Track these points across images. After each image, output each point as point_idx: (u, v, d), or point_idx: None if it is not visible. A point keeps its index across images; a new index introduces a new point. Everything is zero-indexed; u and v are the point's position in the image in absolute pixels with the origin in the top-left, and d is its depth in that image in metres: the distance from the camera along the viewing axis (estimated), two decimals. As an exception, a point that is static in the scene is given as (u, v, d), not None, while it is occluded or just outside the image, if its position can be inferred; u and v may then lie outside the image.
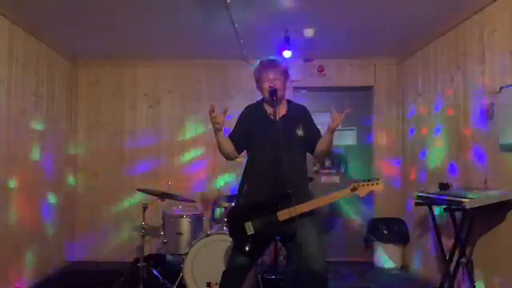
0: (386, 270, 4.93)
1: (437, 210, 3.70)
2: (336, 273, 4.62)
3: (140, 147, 5.39)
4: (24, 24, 4.01)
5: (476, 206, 2.97)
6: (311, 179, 5.14)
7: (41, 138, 4.43)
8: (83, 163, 5.37)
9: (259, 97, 2.83)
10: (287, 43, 4.33)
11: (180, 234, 4.09)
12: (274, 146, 2.56)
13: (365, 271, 4.89)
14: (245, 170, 2.81)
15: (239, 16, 3.80)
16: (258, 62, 2.82)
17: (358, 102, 5.41)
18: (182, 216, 4.16)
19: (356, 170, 5.43)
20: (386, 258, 4.98)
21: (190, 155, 5.37)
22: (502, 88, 3.19)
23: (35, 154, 4.32)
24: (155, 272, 4.01)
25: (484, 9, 3.45)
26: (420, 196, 3.73)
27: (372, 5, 3.66)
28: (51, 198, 4.65)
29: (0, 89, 3.71)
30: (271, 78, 2.69)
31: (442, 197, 3.43)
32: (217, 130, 2.61)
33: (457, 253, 3.49)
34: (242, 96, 4.97)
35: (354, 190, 2.54)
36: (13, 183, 3.88)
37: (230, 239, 2.72)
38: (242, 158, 2.87)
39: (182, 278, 3.71)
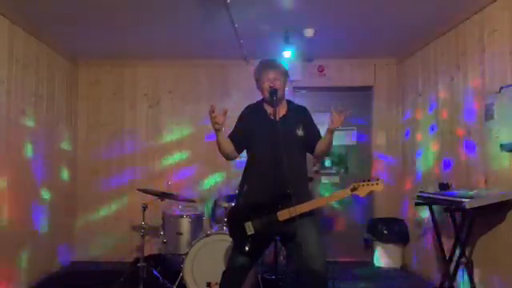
0: (386, 269, 4.93)
1: (434, 207, 3.70)
2: (336, 273, 4.62)
3: (140, 147, 5.39)
4: (24, 24, 4.01)
5: (476, 205, 2.98)
6: (311, 179, 5.12)
7: (41, 138, 4.43)
8: (83, 163, 5.37)
9: (259, 97, 2.83)
10: (287, 43, 4.33)
11: (180, 234, 4.09)
12: (273, 146, 2.56)
13: (365, 271, 4.90)
14: (245, 170, 2.81)
15: (239, 16, 3.80)
16: (258, 62, 2.82)
17: (357, 102, 5.44)
18: (181, 216, 4.15)
19: (356, 169, 5.43)
20: (386, 257, 4.98)
21: (189, 155, 5.38)
22: (501, 88, 3.19)
23: (35, 154, 4.32)
24: (155, 272, 4.01)
25: (484, 9, 3.45)
26: (420, 196, 3.73)
27: (372, 5, 3.66)
28: (51, 198, 4.65)
29: (0, 89, 3.71)
30: (271, 78, 2.70)
31: (441, 197, 3.43)
32: (217, 131, 2.61)
33: (457, 253, 3.49)
34: (242, 96, 4.97)
35: (354, 190, 2.54)
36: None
37: (230, 239, 2.72)
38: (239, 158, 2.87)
39: (182, 277, 3.71)
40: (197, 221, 4.24)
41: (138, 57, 5.29)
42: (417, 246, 4.75)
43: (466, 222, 3.35)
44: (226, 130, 2.70)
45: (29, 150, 4.20)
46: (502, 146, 3.19)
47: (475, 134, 3.59)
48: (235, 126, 2.83)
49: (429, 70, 4.48)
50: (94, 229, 5.28)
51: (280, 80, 2.72)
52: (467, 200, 3.01)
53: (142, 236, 3.96)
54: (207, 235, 3.74)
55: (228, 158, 2.80)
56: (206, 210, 4.95)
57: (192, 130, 5.38)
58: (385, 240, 4.93)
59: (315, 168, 5.42)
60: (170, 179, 4.84)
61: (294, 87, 5.25)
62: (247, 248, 2.56)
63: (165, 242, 4.11)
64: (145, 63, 5.40)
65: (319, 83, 5.42)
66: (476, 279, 3.33)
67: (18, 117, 3.99)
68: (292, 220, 2.50)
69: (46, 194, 4.54)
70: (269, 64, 2.77)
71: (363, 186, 2.53)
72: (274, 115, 2.62)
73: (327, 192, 5.16)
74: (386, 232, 4.92)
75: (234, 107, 3.04)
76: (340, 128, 2.63)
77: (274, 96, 2.65)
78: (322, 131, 2.78)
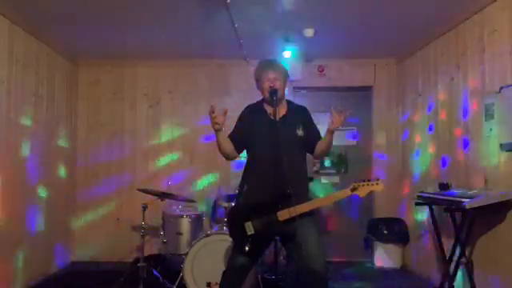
0: (386, 269, 4.93)
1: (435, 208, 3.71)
2: (336, 273, 4.62)
3: (140, 147, 5.39)
4: (24, 24, 4.01)
5: (476, 206, 2.98)
6: (311, 179, 5.14)
7: (41, 138, 4.43)
8: (83, 163, 5.37)
9: (259, 97, 2.83)
10: (287, 43, 4.33)
11: (180, 234, 4.09)
12: (273, 146, 2.56)
13: (365, 271, 4.90)
14: (245, 170, 2.81)
15: (239, 16, 3.80)
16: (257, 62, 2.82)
17: (357, 102, 5.44)
18: (181, 216, 4.16)
19: (356, 169, 5.43)
20: (386, 258, 4.98)
21: (189, 155, 5.38)
22: (501, 88, 3.19)
23: (35, 154, 4.32)
24: (155, 272, 4.01)
25: (484, 9, 3.45)
26: (420, 196, 3.73)
27: (372, 5, 3.66)
28: (51, 198, 4.65)
29: (0, 89, 3.71)
30: (271, 78, 2.70)
31: (441, 197, 3.43)
32: (216, 131, 2.61)
33: (457, 253, 3.49)
34: (242, 96, 4.96)
35: (353, 190, 2.54)
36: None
37: (230, 239, 2.72)
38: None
39: (182, 277, 3.71)
40: (197, 221, 4.24)
41: (137, 57, 5.29)
42: (417, 246, 4.75)
43: (466, 222, 3.35)
44: (226, 130, 2.70)
45: (29, 150, 4.20)
46: (501, 145, 3.19)
47: (475, 134, 3.59)
48: (235, 126, 2.83)
49: (429, 70, 4.48)
50: (93, 229, 5.28)
51: (280, 80, 2.72)
52: (467, 200, 3.01)
53: (142, 236, 3.96)
54: (207, 235, 3.74)
55: (228, 158, 2.81)
56: (205, 208, 4.96)
57: (192, 130, 5.38)
58: (385, 240, 4.93)
59: (315, 168, 5.43)
60: (170, 179, 4.84)
61: (293, 87, 5.25)
62: (247, 248, 2.56)
63: (165, 242, 4.11)
64: (145, 63, 5.40)
65: (319, 83, 5.42)
66: (476, 279, 3.33)
67: (17, 117, 3.99)
68: (292, 220, 2.50)
69: (45, 194, 4.53)
70: (269, 64, 2.77)
71: (363, 185, 2.53)
72: (274, 115, 2.62)
73: (327, 192, 5.16)
74: (386, 232, 4.92)
75: (233, 107, 3.04)
76: (340, 128, 2.62)
77: (274, 96, 2.65)
78: (322, 131, 2.78)
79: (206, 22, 4.00)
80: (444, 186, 3.79)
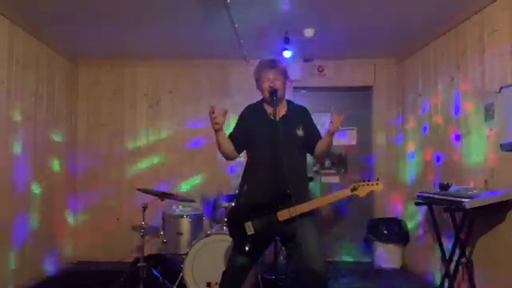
0: (386, 270, 4.93)
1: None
2: (336, 273, 4.62)
3: (140, 147, 5.39)
4: (24, 24, 4.01)
5: (476, 206, 2.98)
6: (311, 179, 5.14)
7: (41, 138, 4.43)
8: (83, 163, 5.37)
9: (259, 97, 2.83)
10: (287, 43, 4.33)
11: (180, 234, 4.09)
12: (273, 146, 2.56)
13: (365, 271, 4.90)
14: (245, 170, 2.81)
15: (239, 16, 3.80)
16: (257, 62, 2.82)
17: (357, 102, 5.44)
18: (181, 216, 4.15)
19: (356, 169, 5.43)
20: (386, 258, 4.98)
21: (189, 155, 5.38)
22: (501, 88, 3.19)
23: (40, 156, 4.32)
24: (155, 272, 4.01)
25: (484, 9, 3.45)
26: (420, 196, 3.73)
27: (372, 5, 3.67)
28: (50, 197, 4.65)
29: (0, 89, 3.71)
30: (271, 78, 2.69)
31: (441, 197, 3.43)
32: (216, 131, 2.61)
33: (457, 253, 3.49)
34: (242, 96, 4.95)
35: (353, 190, 2.54)
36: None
37: (230, 239, 2.72)
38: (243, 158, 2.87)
39: (182, 277, 3.71)
40: (197, 221, 4.23)
41: (137, 57, 5.29)
42: (417, 246, 4.75)
43: (466, 222, 3.35)
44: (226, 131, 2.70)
45: (27, 149, 4.20)
46: (501, 145, 3.19)
47: (475, 134, 3.59)
48: (235, 126, 2.83)
49: (429, 70, 4.48)
50: (93, 229, 5.28)
51: (280, 80, 2.72)
52: (467, 200, 3.01)
53: (142, 236, 3.96)
54: (207, 235, 3.74)
55: (228, 158, 2.81)
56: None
57: (192, 130, 5.38)
58: (385, 240, 4.93)
59: (315, 168, 5.43)
60: (170, 179, 4.84)
61: (294, 87, 5.25)
62: (247, 248, 2.56)
63: (165, 242, 4.10)
64: (145, 63, 5.40)
65: (319, 83, 5.42)
66: (476, 279, 3.33)
67: (17, 117, 3.98)
68: (292, 220, 2.50)
69: (42, 193, 4.54)
70: (269, 64, 2.77)
71: (363, 186, 2.53)
72: (274, 115, 2.62)
73: (327, 192, 5.16)
74: (385, 232, 4.92)
75: (233, 107, 3.03)
76: (340, 128, 2.62)
77: (273, 96, 2.65)
78: (322, 131, 2.78)
79: (206, 21, 4.00)
80: (444, 186, 3.79)
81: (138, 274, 3.82)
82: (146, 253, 4.35)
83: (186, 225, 4.12)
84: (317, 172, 5.44)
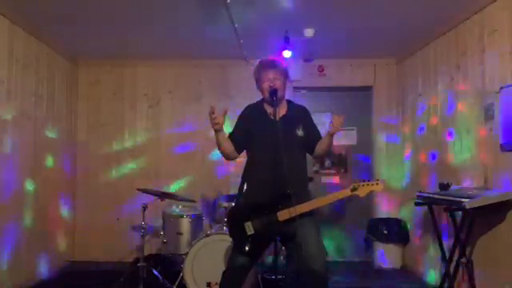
0: (386, 270, 4.93)
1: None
2: (336, 273, 4.62)
3: (140, 147, 5.39)
4: (24, 24, 4.01)
5: (476, 206, 2.97)
6: (311, 179, 5.14)
7: (40, 138, 4.43)
8: (83, 163, 5.37)
9: (259, 97, 2.83)
10: (287, 43, 4.33)
11: (180, 234, 4.09)
12: (273, 146, 2.56)
13: (365, 271, 4.90)
14: (245, 170, 2.81)
15: (239, 16, 3.80)
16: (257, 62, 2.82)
17: (357, 102, 5.44)
18: (182, 216, 4.15)
19: (356, 170, 5.43)
20: (386, 257, 4.98)
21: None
22: (501, 88, 3.19)
23: (39, 155, 4.32)
24: (155, 272, 4.01)
25: (484, 9, 3.45)
26: (420, 196, 3.73)
27: (372, 5, 3.66)
28: (50, 198, 4.65)
29: (0, 89, 3.71)
30: (271, 78, 2.69)
31: (441, 197, 3.43)
32: (217, 131, 2.61)
33: (457, 253, 3.49)
34: (242, 96, 4.96)
35: (353, 190, 2.54)
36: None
37: (230, 239, 2.72)
38: (242, 158, 2.87)
39: (182, 277, 3.71)
40: (197, 221, 4.23)
41: (137, 57, 5.29)
42: (417, 246, 4.75)
43: (466, 222, 3.35)
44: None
45: (28, 150, 4.20)
46: (501, 145, 3.19)
47: (475, 134, 3.59)
48: (235, 126, 2.83)
49: (429, 70, 4.48)
50: (93, 229, 5.28)
51: (280, 80, 2.72)
52: (467, 200, 3.01)
53: (142, 236, 3.96)
54: (207, 235, 3.74)
55: (228, 158, 2.80)
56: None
57: (192, 130, 5.38)
58: (385, 240, 4.93)
59: (315, 168, 5.43)
60: (170, 179, 4.84)
61: (294, 87, 5.25)
62: (247, 248, 2.56)
63: (165, 242, 4.11)
64: (145, 63, 5.40)
65: (319, 83, 5.42)
66: (476, 279, 3.33)
67: (17, 117, 3.98)
68: (292, 220, 2.50)
69: (41, 192, 4.54)
70: (268, 64, 2.77)
71: (363, 186, 2.53)
72: (274, 115, 2.62)
73: (327, 192, 5.15)
74: (385, 232, 4.92)
75: (233, 107, 3.03)
76: (340, 129, 2.61)
77: (273, 96, 2.65)
78: (322, 131, 2.78)
79: (206, 22, 4.00)
80: (444, 186, 3.79)
81: (137, 274, 3.83)
82: (146, 253, 4.35)
83: (185, 225, 4.12)
84: (317, 172, 5.44)
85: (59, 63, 4.89)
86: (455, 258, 3.51)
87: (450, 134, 4.01)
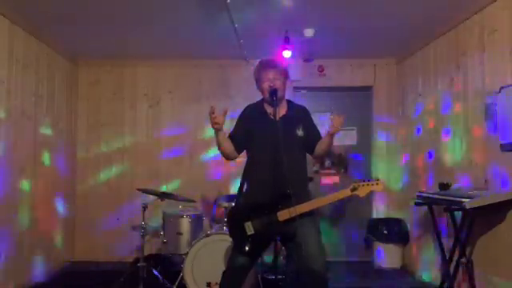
0: (386, 270, 4.93)
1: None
2: (336, 273, 4.62)
3: (140, 147, 5.39)
4: (24, 24, 4.01)
5: (476, 206, 2.97)
6: (311, 179, 5.14)
7: (41, 139, 4.43)
8: (83, 163, 5.37)
9: (259, 97, 2.83)
10: (287, 43, 4.33)
11: (180, 234, 4.09)
12: (273, 146, 2.56)
13: (365, 271, 4.90)
14: (244, 170, 2.81)
15: (239, 16, 3.80)
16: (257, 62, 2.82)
17: (357, 102, 5.44)
18: (182, 216, 4.15)
19: (356, 170, 5.43)
20: (386, 257, 4.98)
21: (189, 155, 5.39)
22: (502, 88, 3.19)
23: (39, 155, 4.32)
24: (155, 272, 4.01)
25: (484, 9, 3.45)
26: (420, 196, 3.73)
27: (372, 5, 3.66)
28: (52, 198, 4.65)
29: (0, 89, 3.71)
30: (271, 78, 2.70)
31: (441, 197, 3.43)
32: (217, 131, 2.61)
33: (457, 253, 3.49)
34: (242, 96, 4.97)
35: (353, 190, 2.54)
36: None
37: (230, 239, 2.72)
38: (242, 158, 2.87)
39: (182, 277, 3.71)
40: (197, 221, 4.23)
41: (137, 57, 5.29)
42: (417, 246, 4.75)
43: (466, 222, 3.35)
44: (226, 130, 2.70)
45: (28, 150, 4.20)
46: (501, 145, 3.19)
47: (475, 134, 3.59)
48: (235, 126, 2.83)
49: (429, 70, 4.48)
50: (93, 228, 5.28)
51: (280, 80, 2.72)
52: (467, 200, 3.01)
53: (142, 236, 3.96)
54: (207, 235, 3.74)
55: (228, 158, 2.81)
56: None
57: (192, 130, 5.38)
58: (385, 240, 4.93)
59: (315, 168, 5.43)
60: (170, 179, 4.84)
61: (294, 87, 5.25)
62: (247, 248, 2.56)
63: (165, 242, 4.10)
64: (145, 63, 5.40)
65: (319, 83, 5.42)
66: (476, 279, 3.33)
67: (17, 117, 3.98)
68: (292, 220, 2.51)
69: (45, 194, 4.53)
70: (268, 64, 2.77)
71: (363, 186, 2.53)
72: (274, 115, 2.62)
73: (327, 192, 5.15)
74: (386, 232, 4.92)
75: (234, 107, 3.04)
76: (340, 129, 2.61)
77: (273, 96, 2.65)
78: (322, 131, 2.78)
79: (206, 22, 4.00)
80: (444, 186, 3.79)
81: (138, 274, 3.83)
82: (146, 253, 4.35)
83: (185, 225, 4.12)
84: (317, 172, 5.44)
85: (59, 63, 4.89)
86: (455, 258, 3.51)
87: (450, 133, 4.01)
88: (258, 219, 2.56)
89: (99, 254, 5.23)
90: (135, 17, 3.97)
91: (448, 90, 4.07)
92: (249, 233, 2.56)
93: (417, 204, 3.77)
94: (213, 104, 2.59)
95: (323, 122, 2.77)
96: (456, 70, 3.91)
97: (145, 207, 3.92)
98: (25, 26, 4.04)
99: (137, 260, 4.16)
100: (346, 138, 5.38)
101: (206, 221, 4.54)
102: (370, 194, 3.02)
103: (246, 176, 2.78)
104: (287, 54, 4.44)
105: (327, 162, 5.48)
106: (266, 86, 2.70)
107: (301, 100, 4.39)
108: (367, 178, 2.65)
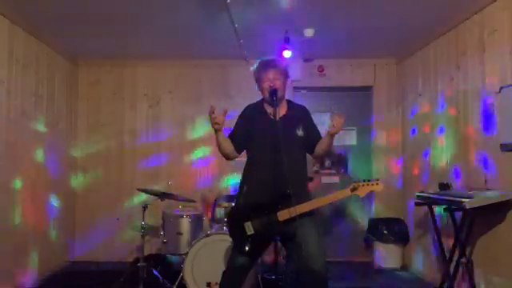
0: (386, 270, 4.93)
1: (437, 209, 3.70)
2: (336, 273, 4.62)
3: (140, 147, 5.39)
4: (24, 24, 4.01)
5: (476, 206, 2.98)
6: (311, 179, 5.14)
7: (41, 139, 4.43)
8: (83, 163, 5.37)
9: (259, 97, 2.83)
10: (287, 43, 4.33)
11: (180, 233, 4.09)
12: (273, 146, 2.56)
13: (365, 271, 4.90)
14: (244, 170, 2.81)
15: (239, 16, 3.80)
16: (257, 62, 2.82)
17: (357, 102, 5.44)
18: (182, 216, 4.15)
19: (356, 169, 5.43)
20: (386, 257, 4.98)
21: (193, 155, 5.39)
22: (501, 88, 3.19)
23: (38, 155, 4.32)
24: (155, 272, 4.01)
25: (484, 9, 3.45)
26: (420, 196, 3.73)
27: (372, 5, 3.66)
28: (52, 198, 4.65)
29: (0, 89, 3.71)
30: (271, 78, 2.69)
31: (441, 197, 3.43)
32: (216, 131, 2.61)
33: (457, 253, 3.49)
34: (242, 96, 4.95)
35: (353, 190, 2.54)
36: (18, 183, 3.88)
37: (230, 239, 2.72)
38: (243, 158, 2.87)
39: (182, 277, 3.71)
40: (197, 221, 4.23)
41: (137, 57, 5.29)
42: (417, 246, 4.75)
43: (466, 222, 3.35)
44: (225, 130, 2.70)
45: (29, 151, 4.20)
46: (501, 145, 3.19)
47: (475, 134, 3.59)
48: (235, 126, 2.83)
49: (429, 70, 4.48)
50: (93, 229, 5.28)
51: (280, 80, 2.72)
52: (467, 200, 3.01)
53: (142, 236, 3.96)
54: (207, 235, 3.74)
55: (228, 157, 2.81)
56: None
57: (192, 130, 5.39)
58: (385, 240, 4.93)
59: (315, 168, 5.43)
60: (170, 179, 4.83)
61: (294, 87, 5.25)
62: (247, 248, 2.56)
63: (165, 242, 4.10)
64: (145, 63, 5.40)
65: (319, 83, 5.42)
66: (476, 279, 3.33)
67: (17, 117, 3.98)
68: (292, 220, 2.50)
69: (47, 194, 4.53)
70: (268, 64, 2.77)
71: (363, 186, 2.53)
72: (274, 115, 2.62)
73: (327, 192, 5.15)
74: (386, 232, 4.92)
75: (233, 107, 3.03)
76: (340, 128, 2.61)
77: (273, 96, 2.65)
78: (322, 131, 2.78)
79: (206, 22, 4.00)
80: (444, 186, 3.79)
81: (138, 274, 3.83)
82: (146, 253, 4.35)
83: (185, 225, 4.12)
84: (317, 172, 5.44)
85: (59, 63, 4.89)
86: (455, 258, 3.51)
87: (450, 133, 4.01)
88: (257, 219, 2.56)
89: (99, 254, 5.23)
90: (135, 17, 3.97)
91: (448, 90, 4.07)
92: (249, 233, 2.56)
93: (417, 204, 3.77)
94: (213, 104, 2.59)
95: (323, 122, 2.76)
96: (456, 70, 3.91)
97: (145, 207, 3.92)
98: (25, 26, 4.04)
99: (137, 260, 4.16)
100: (345, 138, 5.39)
101: (205, 221, 4.54)
102: (370, 194, 3.02)
103: (246, 176, 2.79)
104: (287, 53, 4.44)
105: (327, 162, 5.48)
106: (266, 85, 2.70)
107: (301, 100, 4.39)
108: (367, 178, 2.64)
